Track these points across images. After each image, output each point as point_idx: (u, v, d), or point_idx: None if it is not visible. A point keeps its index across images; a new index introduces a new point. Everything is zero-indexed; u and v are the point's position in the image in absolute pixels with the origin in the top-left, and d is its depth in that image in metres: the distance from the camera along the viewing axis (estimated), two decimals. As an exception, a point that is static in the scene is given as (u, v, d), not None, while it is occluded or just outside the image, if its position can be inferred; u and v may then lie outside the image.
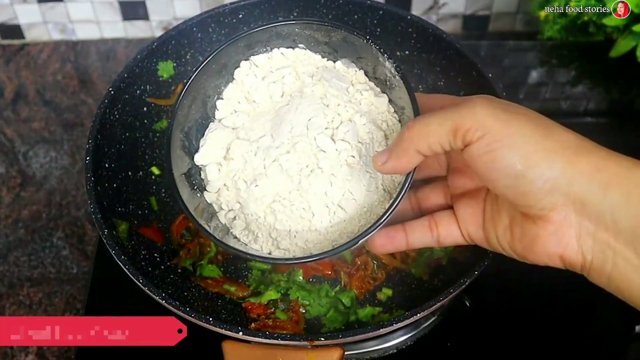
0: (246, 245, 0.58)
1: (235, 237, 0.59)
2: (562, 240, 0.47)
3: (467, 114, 0.47)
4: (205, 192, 0.60)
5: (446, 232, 0.56)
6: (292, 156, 0.56)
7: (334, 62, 0.62)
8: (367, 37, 0.58)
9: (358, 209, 0.56)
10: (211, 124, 0.62)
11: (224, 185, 0.60)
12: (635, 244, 0.44)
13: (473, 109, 0.47)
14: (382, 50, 0.57)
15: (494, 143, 0.46)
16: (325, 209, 0.56)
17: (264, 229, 0.57)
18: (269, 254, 0.58)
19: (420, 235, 0.57)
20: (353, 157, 0.56)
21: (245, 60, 0.62)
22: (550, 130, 0.47)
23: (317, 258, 0.53)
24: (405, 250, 0.60)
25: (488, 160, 0.47)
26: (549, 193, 0.45)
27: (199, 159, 0.60)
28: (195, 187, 0.60)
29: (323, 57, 0.62)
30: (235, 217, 0.59)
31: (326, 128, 0.57)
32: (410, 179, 0.52)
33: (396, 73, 0.57)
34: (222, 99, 0.62)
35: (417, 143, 0.49)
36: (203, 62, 0.59)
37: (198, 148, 0.61)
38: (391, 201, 0.53)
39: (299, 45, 0.62)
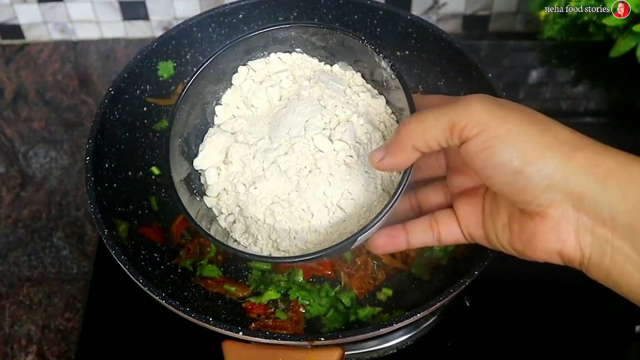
0: (246, 247, 0.58)
1: (236, 241, 0.59)
2: (561, 236, 0.47)
3: (463, 111, 0.47)
4: (205, 197, 0.60)
5: (447, 230, 0.56)
6: (290, 157, 0.56)
7: (331, 65, 0.62)
8: (362, 38, 0.58)
9: (357, 208, 0.56)
10: (210, 129, 0.62)
11: (224, 189, 0.60)
12: (633, 239, 0.44)
13: (469, 106, 0.47)
14: (377, 50, 0.57)
15: (491, 139, 0.46)
16: (324, 209, 0.56)
17: (264, 231, 0.57)
18: (269, 255, 0.58)
19: (421, 235, 0.57)
20: (351, 156, 0.56)
21: (243, 65, 0.62)
22: (546, 126, 0.47)
23: (315, 256, 0.53)
24: (406, 249, 0.60)
25: (485, 157, 0.47)
26: (547, 189, 0.45)
27: (198, 163, 0.60)
28: (195, 192, 0.60)
29: (320, 61, 0.63)
30: (235, 220, 0.59)
31: (324, 129, 0.57)
32: (408, 177, 0.52)
33: (392, 72, 0.57)
34: (220, 104, 0.63)
35: (414, 139, 0.49)
36: (200, 68, 0.59)
37: (197, 153, 0.61)
38: (389, 199, 0.53)
39: (296, 49, 0.62)
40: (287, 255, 0.57)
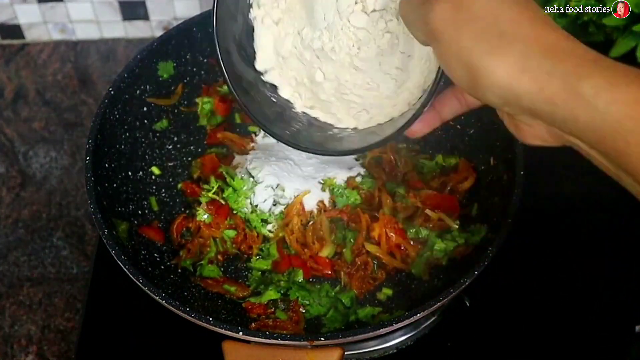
0: (332, 125, 0.61)
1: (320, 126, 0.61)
2: (537, 134, 0.46)
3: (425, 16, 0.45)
4: (278, 90, 0.62)
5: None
6: (334, 44, 0.57)
7: None
8: None
9: (418, 63, 0.56)
10: (255, 27, 0.62)
11: (293, 81, 0.62)
12: (598, 147, 0.42)
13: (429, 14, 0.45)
14: None
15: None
16: (386, 76, 0.57)
17: (342, 109, 0.60)
18: (355, 128, 0.60)
19: (450, 105, 0.56)
20: (391, 20, 0.56)
21: None
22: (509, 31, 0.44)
23: (419, 113, 0.53)
24: (439, 126, 0.58)
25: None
26: (505, 105, 0.45)
27: (260, 65, 0.62)
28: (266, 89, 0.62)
29: None
30: (311, 105, 0.62)
31: (356, 3, 0.57)
32: None
33: None
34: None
35: None
36: None
37: (254, 53, 0.62)
38: None
39: None
40: (372, 122, 0.59)
